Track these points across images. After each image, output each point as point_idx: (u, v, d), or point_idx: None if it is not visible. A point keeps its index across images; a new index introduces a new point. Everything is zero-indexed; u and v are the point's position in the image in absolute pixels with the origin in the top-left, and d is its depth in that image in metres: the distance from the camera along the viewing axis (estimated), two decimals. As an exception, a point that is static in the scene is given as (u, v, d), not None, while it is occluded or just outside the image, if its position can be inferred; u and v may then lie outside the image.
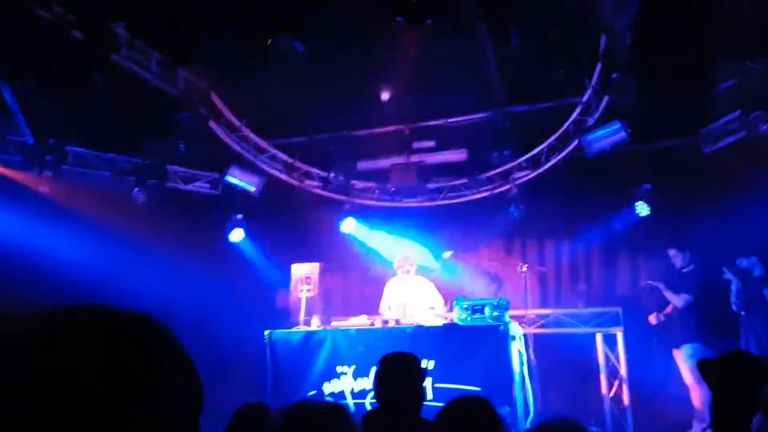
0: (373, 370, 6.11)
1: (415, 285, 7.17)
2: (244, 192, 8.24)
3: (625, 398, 7.30)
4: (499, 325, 6.07)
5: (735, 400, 2.16)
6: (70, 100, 6.99)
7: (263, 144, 8.42)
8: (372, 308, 7.77)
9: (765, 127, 6.71)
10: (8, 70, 6.52)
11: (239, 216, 8.54)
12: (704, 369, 2.32)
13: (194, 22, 6.59)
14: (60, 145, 7.48)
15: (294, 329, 6.78)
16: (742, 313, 6.39)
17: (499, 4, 6.17)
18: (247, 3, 6.54)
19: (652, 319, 7.12)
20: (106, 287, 7.39)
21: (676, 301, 6.90)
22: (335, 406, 1.81)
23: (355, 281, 7.97)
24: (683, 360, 6.80)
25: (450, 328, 6.30)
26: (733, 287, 6.42)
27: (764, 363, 2.28)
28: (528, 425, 6.16)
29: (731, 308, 6.60)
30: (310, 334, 6.57)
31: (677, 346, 6.88)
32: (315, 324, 6.77)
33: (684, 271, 7.02)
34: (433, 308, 6.98)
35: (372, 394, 6.10)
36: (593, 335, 7.51)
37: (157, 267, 8.08)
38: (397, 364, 2.80)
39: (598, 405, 7.34)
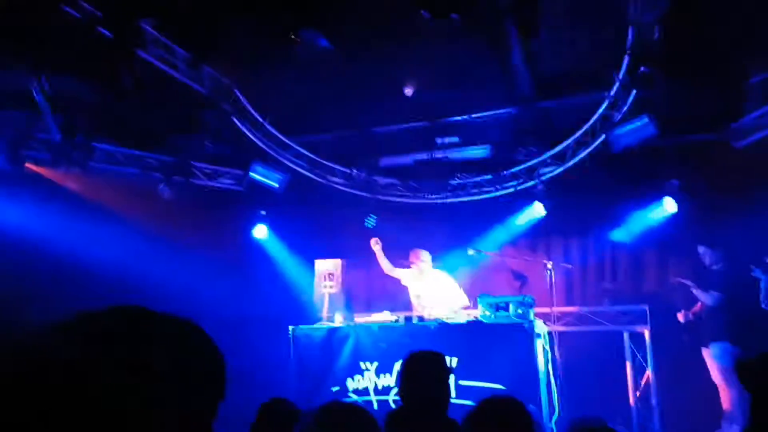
0: (397, 366, 6.18)
1: (432, 279, 7.14)
2: (267, 188, 8.26)
3: (653, 398, 7.21)
4: (524, 323, 6.03)
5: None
6: (97, 96, 7.07)
7: (287, 140, 8.43)
8: (395, 304, 7.77)
9: (798, 121, 6.54)
10: (36, 66, 6.59)
11: (263, 212, 8.58)
12: (741, 370, 2.25)
13: (219, 17, 6.61)
14: (87, 141, 7.56)
15: (317, 325, 6.80)
16: (763, 306, 6.23)
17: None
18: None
19: (681, 317, 6.99)
20: (132, 282, 7.49)
21: (706, 299, 6.76)
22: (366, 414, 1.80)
23: (378, 277, 7.93)
24: (712, 359, 6.67)
25: (474, 325, 6.27)
26: (763, 285, 6.26)
27: None
28: (553, 424, 6.11)
29: (761, 307, 6.46)
30: (333, 331, 6.58)
31: (706, 345, 6.75)
32: (338, 320, 6.78)
33: (713, 268, 6.88)
34: (450, 303, 6.90)
35: (395, 391, 6.13)
36: (620, 333, 7.42)
37: (183, 262, 8.15)
38: (422, 362, 2.77)
39: (624, 404, 7.25)
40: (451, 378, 5.87)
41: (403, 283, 7.32)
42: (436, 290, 7.04)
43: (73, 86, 6.78)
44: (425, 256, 7.17)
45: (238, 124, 7.96)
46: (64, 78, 6.65)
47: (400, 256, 7.66)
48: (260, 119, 8.19)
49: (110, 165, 7.84)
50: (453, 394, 5.83)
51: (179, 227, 8.34)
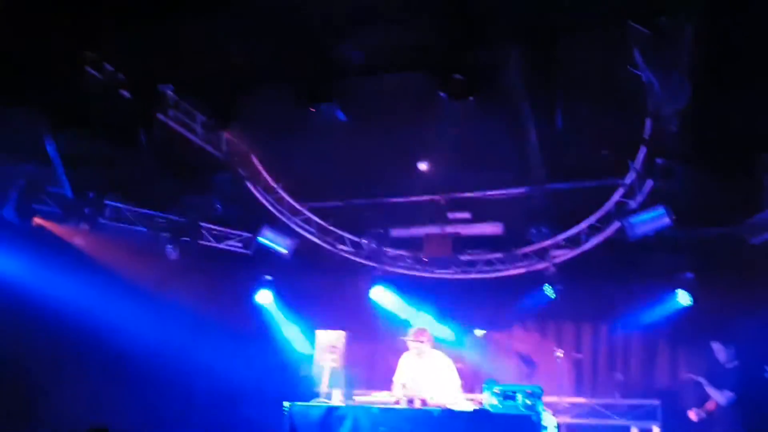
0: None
1: (430, 361, 6.82)
2: (274, 253, 8.17)
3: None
4: (532, 415, 5.78)
5: None
6: (112, 154, 7.08)
7: (298, 206, 8.40)
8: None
9: (814, 220, 6.44)
10: (53, 122, 6.63)
11: (268, 277, 8.47)
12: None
13: (239, 84, 6.69)
14: (99, 198, 7.55)
15: (314, 402, 6.55)
16: None
17: (545, 84, 6.12)
18: (293, 67, 6.60)
19: (692, 415, 6.73)
20: (129, 343, 7.37)
21: (719, 398, 6.54)
22: None
23: (382, 351, 7.75)
24: (725, 461, 6.40)
25: (479, 414, 6.00)
26: None
27: None
28: None
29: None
30: (331, 410, 6.32)
31: (718, 447, 6.49)
32: (336, 398, 6.53)
33: (728, 366, 6.68)
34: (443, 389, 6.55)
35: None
36: (629, 428, 7.15)
37: (183, 324, 8.04)
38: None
39: (633, 505, 6.93)
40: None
41: (401, 367, 6.97)
42: (431, 373, 6.73)
43: (89, 143, 6.80)
44: (429, 335, 6.93)
45: (252, 188, 7.94)
46: (79, 135, 6.68)
47: (401, 330, 7.44)
48: (273, 184, 8.19)
49: (119, 223, 7.80)
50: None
51: (183, 288, 8.25)
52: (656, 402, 7.13)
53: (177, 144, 6.78)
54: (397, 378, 6.88)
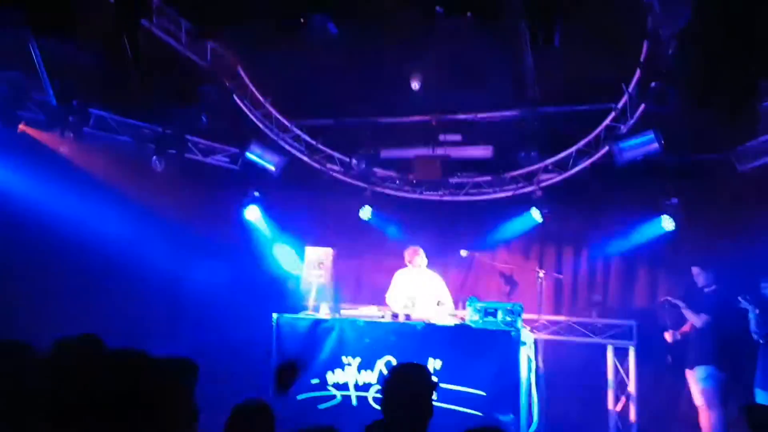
0: (379, 363, 6.10)
1: (425, 279, 7.05)
2: (263, 169, 8.13)
3: (632, 414, 7.18)
4: (511, 331, 5.96)
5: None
6: (97, 63, 6.90)
7: (287, 123, 8.29)
8: (383, 298, 7.69)
9: (804, 150, 6.45)
10: (36, 28, 6.41)
11: (256, 193, 8.44)
12: (751, 415, 2.16)
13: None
14: (83, 106, 7.41)
15: (302, 314, 6.70)
16: (761, 342, 6.16)
17: (544, 2, 5.95)
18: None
19: (668, 336, 6.94)
20: (116, 253, 7.39)
21: (695, 320, 6.71)
22: None
23: (369, 269, 7.86)
24: (695, 381, 6.64)
25: (461, 329, 6.19)
26: (752, 316, 6.17)
27: None
28: (530, 433, 6.07)
29: (751, 334, 6.40)
30: (317, 322, 6.49)
31: (691, 367, 6.71)
32: (324, 311, 6.69)
33: (706, 290, 6.83)
34: (441, 304, 6.87)
35: (376, 388, 6.06)
36: (605, 347, 7.38)
37: (170, 237, 8.05)
38: (408, 377, 2.69)
39: (603, 419, 7.22)
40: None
41: (396, 282, 7.17)
42: (430, 290, 6.95)
43: (73, 51, 6.60)
44: (423, 254, 7.07)
45: (239, 101, 7.81)
46: (63, 42, 6.47)
47: (393, 250, 7.56)
48: (261, 99, 8.05)
49: (104, 132, 7.69)
50: (434, 396, 5.82)
51: (170, 201, 8.22)
52: (633, 323, 7.32)
53: (161, 52, 6.60)
54: (391, 292, 7.05)
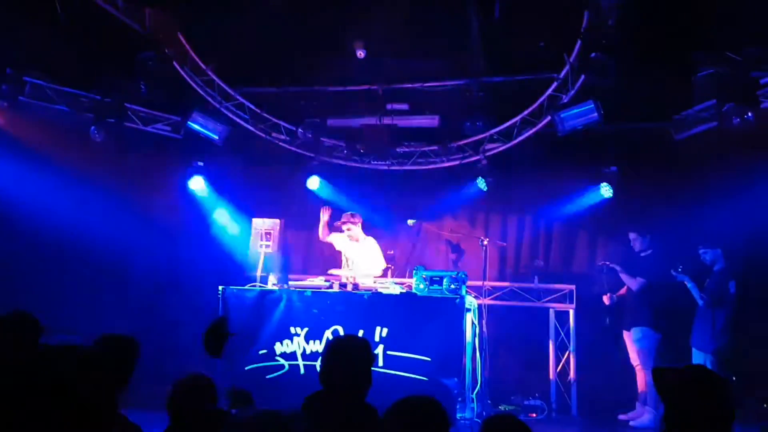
0: (327, 333, 6.17)
1: (362, 244, 7.11)
2: (206, 139, 7.98)
3: (572, 374, 7.48)
4: (455, 298, 6.09)
5: (688, 419, 2.13)
6: (30, 29, 6.62)
7: (230, 91, 8.12)
8: (332, 268, 7.72)
9: (737, 119, 6.70)
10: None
11: (200, 163, 8.29)
12: (659, 378, 2.28)
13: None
14: (18, 75, 7.12)
15: (249, 286, 6.69)
16: (701, 304, 6.43)
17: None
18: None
19: (606, 299, 7.20)
20: (56, 226, 7.19)
21: (631, 283, 6.98)
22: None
23: (317, 240, 7.85)
24: (632, 342, 6.93)
25: (407, 297, 6.29)
26: (690, 285, 6.44)
27: (726, 384, 2.25)
28: (474, 396, 6.26)
29: (680, 296, 6.69)
30: (264, 293, 6.49)
31: (627, 328, 7.00)
32: (271, 282, 6.68)
33: (642, 255, 7.09)
34: (369, 273, 6.92)
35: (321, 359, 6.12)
36: (546, 311, 7.63)
37: (113, 208, 7.87)
38: (347, 349, 2.74)
39: (544, 379, 7.50)
40: (380, 348, 5.95)
41: (337, 248, 7.26)
42: (363, 255, 7.04)
43: (5, 17, 6.30)
44: (358, 219, 7.11)
45: (179, 68, 7.60)
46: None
47: (339, 219, 7.58)
48: (203, 66, 7.86)
49: (41, 102, 7.42)
50: (381, 363, 5.95)
51: (110, 172, 8.02)
52: (572, 287, 7.57)
53: (97, 19, 6.36)
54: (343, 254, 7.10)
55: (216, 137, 7.91)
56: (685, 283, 6.44)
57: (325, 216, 7.25)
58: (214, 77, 7.95)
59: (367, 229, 7.29)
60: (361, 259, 7.00)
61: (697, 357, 6.39)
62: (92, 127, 7.40)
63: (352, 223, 6.99)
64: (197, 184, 8.27)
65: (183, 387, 2.82)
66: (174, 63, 7.47)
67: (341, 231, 7.15)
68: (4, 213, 6.85)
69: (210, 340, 3.15)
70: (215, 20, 7.24)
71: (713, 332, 6.31)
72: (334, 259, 7.82)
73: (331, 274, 6.87)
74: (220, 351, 3.11)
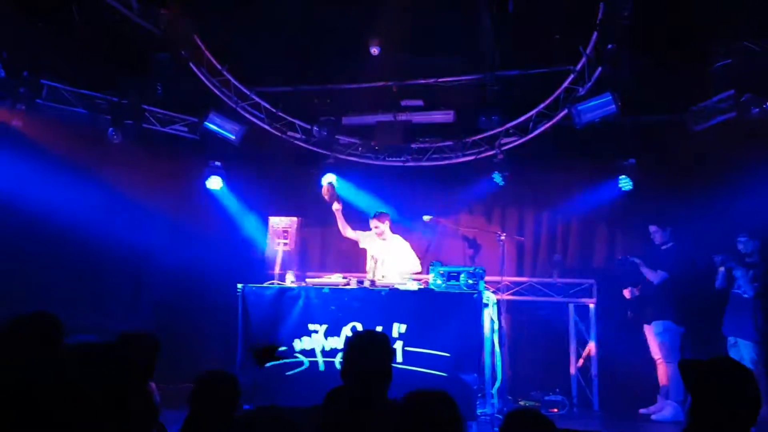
0: (346, 330, 6.18)
1: (390, 243, 7.11)
2: (223, 139, 8.02)
3: (593, 369, 7.42)
4: (473, 294, 6.06)
5: (715, 410, 2.11)
6: (46, 33, 6.70)
7: (246, 90, 8.16)
8: (349, 265, 7.74)
9: (756, 109, 6.61)
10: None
11: (217, 163, 8.34)
12: (686, 370, 2.25)
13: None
14: (34, 78, 7.20)
15: (267, 284, 6.71)
16: (750, 294, 6.32)
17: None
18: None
19: (627, 293, 7.16)
20: (76, 229, 7.26)
21: (652, 277, 6.92)
22: None
23: (333, 237, 7.86)
24: (653, 336, 6.88)
25: (424, 293, 6.28)
26: (740, 273, 6.34)
27: (752, 375, 2.22)
28: (494, 392, 6.24)
29: (703, 289, 6.63)
30: (283, 290, 6.51)
31: (648, 322, 6.94)
32: (289, 279, 6.71)
33: (663, 248, 7.03)
34: (405, 272, 6.91)
35: (341, 355, 6.13)
36: (566, 305, 7.58)
37: (131, 209, 7.94)
38: (367, 344, 2.74)
39: (565, 374, 7.45)
40: (399, 344, 5.94)
41: (361, 245, 7.26)
42: (393, 254, 7.03)
43: (22, 21, 6.38)
44: (386, 218, 7.12)
45: (195, 70, 7.66)
46: (11, 12, 6.25)
47: (357, 217, 7.59)
48: (219, 66, 7.90)
49: (59, 104, 7.50)
50: (400, 359, 5.94)
51: (130, 173, 8.08)
52: (592, 281, 7.51)
53: (112, 21, 6.41)
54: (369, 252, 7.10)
55: (233, 137, 7.95)
56: (732, 273, 6.33)
57: (337, 210, 7.19)
58: (230, 77, 8.00)
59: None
60: (392, 258, 6.99)
61: (744, 347, 6.26)
62: (110, 129, 7.47)
63: (380, 221, 7.02)
64: (215, 184, 8.32)
65: (204, 382, 2.83)
66: (190, 64, 7.51)
67: (364, 229, 7.16)
68: (25, 215, 6.92)
69: (258, 355, 3.40)
70: (229, 20, 7.27)
71: (757, 322, 6.23)
72: (350, 255, 7.84)
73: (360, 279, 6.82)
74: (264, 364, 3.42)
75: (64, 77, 7.45)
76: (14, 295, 6.57)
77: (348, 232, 7.25)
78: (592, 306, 7.50)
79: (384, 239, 7.08)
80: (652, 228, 7.08)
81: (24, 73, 7.10)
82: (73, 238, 7.25)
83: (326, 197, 7.19)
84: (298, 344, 6.30)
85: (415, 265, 7.01)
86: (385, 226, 7.07)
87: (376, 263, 7.05)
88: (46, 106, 7.40)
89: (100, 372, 1.30)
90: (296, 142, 8.43)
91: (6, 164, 6.95)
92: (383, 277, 6.75)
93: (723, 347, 6.33)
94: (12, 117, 7.13)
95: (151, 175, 7.98)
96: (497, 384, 6.31)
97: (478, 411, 5.92)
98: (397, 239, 7.18)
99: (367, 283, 6.50)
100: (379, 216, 7.09)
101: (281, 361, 6.30)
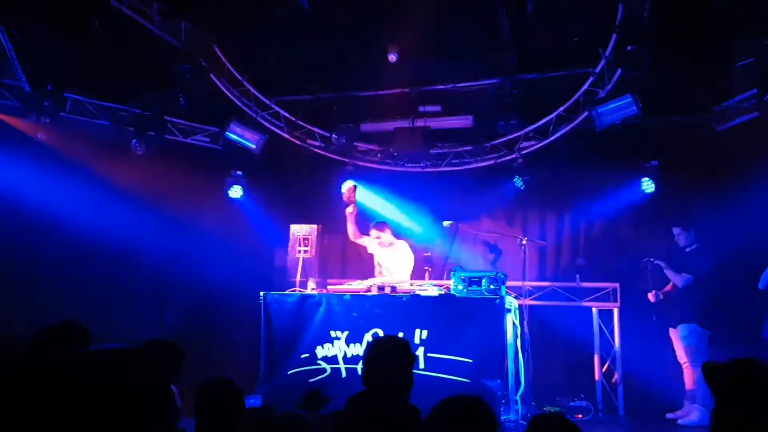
0: (367, 336, 6.18)
1: (393, 249, 7.11)
2: (243, 148, 8.10)
3: (618, 374, 7.33)
4: (495, 299, 6.03)
5: (739, 413, 2.07)
6: (68, 46, 6.81)
7: (265, 100, 8.24)
8: (370, 272, 7.73)
9: (779, 108, 6.50)
10: (3, 12, 6.30)
11: (239, 172, 8.42)
12: (709, 372, 2.22)
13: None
14: (58, 91, 7.33)
15: (289, 291, 6.74)
16: None
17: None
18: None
19: (651, 297, 7.05)
20: (100, 238, 7.37)
21: (677, 280, 6.83)
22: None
23: (353, 244, 7.87)
24: (678, 339, 6.77)
25: (446, 298, 6.25)
26: None
27: None
28: (518, 398, 6.19)
29: (729, 292, 6.52)
30: (305, 297, 6.53)
31: (674, 325, 6.85)
32: (311, 286, 6.73)
33: (687, 250, 6.93)
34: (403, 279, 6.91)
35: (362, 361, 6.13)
36: (589, 310, 7.50)
37: (155, 219, 8.04)
38: (387, 349, 2.74)
39: (590, 379, 7.36)
40: (420, 350, 5.93)
41: (369, 251, 7.28)
42: (399, 261, 7.03)
43: (45, 35, 6.51)
44: (384, 227, 7.12)
45: (216, 81, 7.75)
46: (34, 26, 6.38)
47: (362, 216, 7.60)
48: (239, 77, 7.99)
49: (82, 117, 7.63)
50: (422, 365, 5.92)
51: (153, 183, 8.18)
52: (616, 285, 7.42)
53: (133, 34, 6.51)
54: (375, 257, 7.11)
55: (253, 146, 8.03)
56: None
57: (350, 215, 7.18)
58: (250, 87, 8.08)
59: (403, 232, 7.29)
60: (393, 264, 7.00)
61: None
62: (133, 141, 7.58)
63: (380, 230, 7.03)
64: (236, 193, 8.40)
65: (207, 390, 2.80)
66: (211, 75, 7.60)
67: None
68: (51, 226, 7.04)
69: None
70: (248, 31, 7.35)
71: None
72: (371, 261, 7.84)
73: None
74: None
75: (88, 90, 7.58)
76: (43, 305, 6.67)
77: (357, 237, 7.26)
78: (615, 310, 7.40)
79: (387, 245, 7.08)
80: (676, 230, 6.98)
81: (48, 87, 7.23)
82: (98, 247, 7.35)
83: (345, 198, 7.20)
84: (321, 351, 6.31)
85: (406, 270, 6.99)
86: (385, 235, 7.06)
87: (380, 269, 7.06)
88: (70, 119, 7.53)
89: (122, 374, 1.31)
90: (315, 150, 8.48)
91: (33, 177, 7.08)
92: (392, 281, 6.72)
93: (749, 350, 6.21)
94: (37, 130, 7.27)
95: (174, 185, 8.08)
96: (521, 390, 6.26)
97: (502, 417, 5.86)
98: (402, 245, 7.16)
99: (387, 290, 6.50)
100: (378, 225, 7.10)
101: (304, 368, 6.33)
